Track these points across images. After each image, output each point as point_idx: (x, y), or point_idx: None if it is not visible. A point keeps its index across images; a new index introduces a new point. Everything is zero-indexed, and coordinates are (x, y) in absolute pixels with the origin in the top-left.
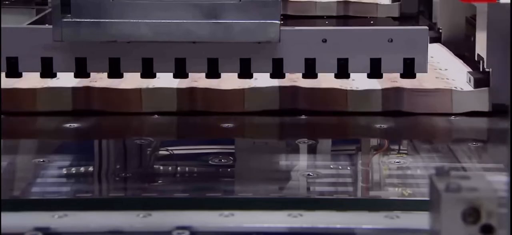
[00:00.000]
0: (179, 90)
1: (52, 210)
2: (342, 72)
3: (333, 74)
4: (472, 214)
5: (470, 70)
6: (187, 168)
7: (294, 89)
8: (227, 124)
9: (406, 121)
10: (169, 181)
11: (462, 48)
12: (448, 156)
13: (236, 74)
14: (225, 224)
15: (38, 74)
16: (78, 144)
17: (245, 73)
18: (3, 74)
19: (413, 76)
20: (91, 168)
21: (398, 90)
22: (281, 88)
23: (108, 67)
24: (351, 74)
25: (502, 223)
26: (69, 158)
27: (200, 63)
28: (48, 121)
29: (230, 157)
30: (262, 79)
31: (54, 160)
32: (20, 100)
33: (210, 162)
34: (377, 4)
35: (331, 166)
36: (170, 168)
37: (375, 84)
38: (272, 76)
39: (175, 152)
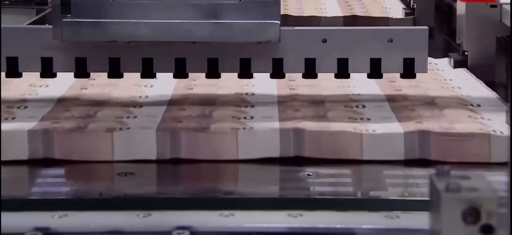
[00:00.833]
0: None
1: (52, 210)
2: (342, 72)
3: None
4: (472, 214)
5: (506, 103)
6: None
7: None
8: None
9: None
10: None
11: (492, 74)
12: None
13: (234, 81)
14: (225, 224)
15: (24, 80)
16: None
17: (245, 73)
18: (3, 74)
19: (413, 76)
20: None
21: (423, 133)
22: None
23: (108, 67)
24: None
25: (502, 223)
26: None
27: (200, 63)
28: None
29: None
30: (261, 83)
31: None
32: None
33: None
34: (388, 17)
35: None
36: None
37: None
38: (272, 76)
39: None
